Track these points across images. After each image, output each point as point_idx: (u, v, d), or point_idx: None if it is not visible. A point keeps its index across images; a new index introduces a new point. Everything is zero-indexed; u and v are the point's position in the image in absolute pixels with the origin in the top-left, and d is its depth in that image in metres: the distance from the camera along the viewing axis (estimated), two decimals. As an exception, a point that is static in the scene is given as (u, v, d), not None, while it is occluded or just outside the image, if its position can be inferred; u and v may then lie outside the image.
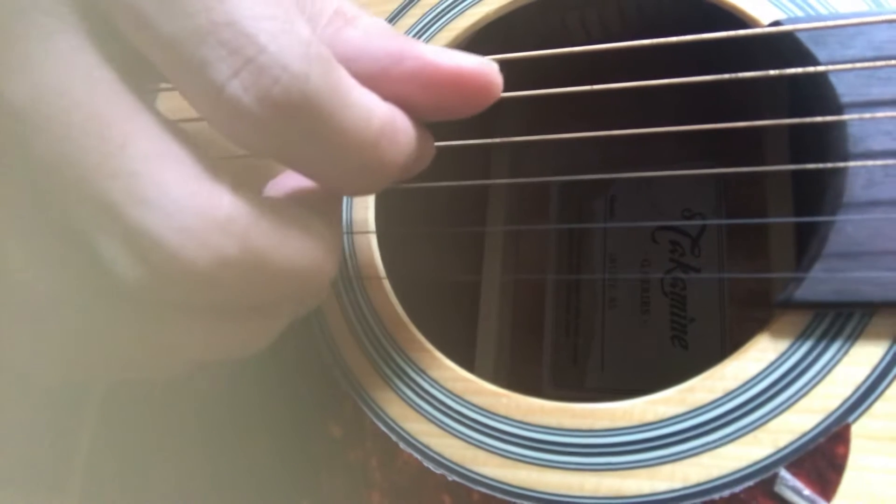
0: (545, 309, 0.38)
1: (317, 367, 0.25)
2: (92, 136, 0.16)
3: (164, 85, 0.19)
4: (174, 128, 0.17)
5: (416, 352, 0.24)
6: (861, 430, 0.20)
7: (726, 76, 0.22)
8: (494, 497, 0.22)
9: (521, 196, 0.40)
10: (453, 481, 0.22)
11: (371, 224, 0.27)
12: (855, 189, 0.21)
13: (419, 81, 0.19)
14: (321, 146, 0.18)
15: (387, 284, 0.26)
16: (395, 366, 0.24)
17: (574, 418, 0.22)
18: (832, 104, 0.22)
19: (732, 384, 0.21)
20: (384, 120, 0.18)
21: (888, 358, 0.20)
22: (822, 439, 0.20)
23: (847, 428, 0.20)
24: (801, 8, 0.23)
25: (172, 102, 0.20)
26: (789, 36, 0.23)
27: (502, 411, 0.23)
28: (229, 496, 0.25)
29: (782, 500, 0.20)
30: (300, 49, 0.16)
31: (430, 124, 0.21)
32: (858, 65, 0.21)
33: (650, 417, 0.21)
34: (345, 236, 0.27)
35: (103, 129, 0.16)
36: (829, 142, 0.22)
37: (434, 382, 0.24)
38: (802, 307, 0.21)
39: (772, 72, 0.21)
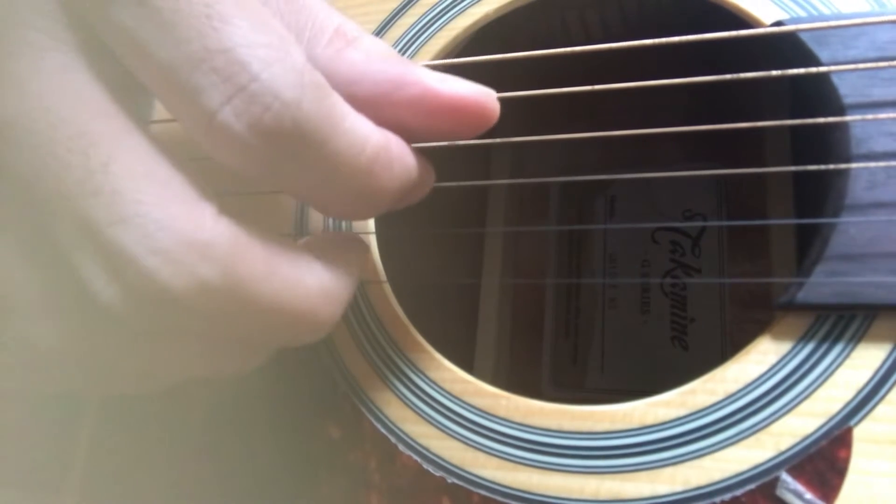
0: (545, 310, 0.38)
1: (316, 368, 0.25)
2: (76, 154, 0.16)
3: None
4: (163, 150, 0.17)
5: (415, 353, 0.24)
6: (863, 434, 0.19)
7: (728, 76, 0.22)
8: (494, 499, 0.22)
9: (521, 197, 0.40)
10: (453, 483, 0.22)
11: (371, 226, 0.27)
12: (857, 191, 0.21)
13: (419, 108, 0.19)
14: (313, 172, 0.18)
15: (386, 286, 0.26)
16: (394, 367, 0.24)
17: (574, 420, 0.22)
18: (834, 105, 0.22)
19: (734, 387, 0.21)
20: (378, 147, 0.18)
21: (890, 361, 0.20)
22: (823, 442, 0.20)
23: (849, 431, 0.20)
24: (803, 8, 0.23)
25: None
26: (791, 36, 0.22)
27: (502, 413, 0.23)
28: (229, 497, 0.25)
29: (784, 503, 0.19)
30: (293, 77, 0.16)
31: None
32: (861, 65, 0.21)
33: (651, 420, 0.21)
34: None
35: (88, 147, 0.16)
36: (831, 143, 0.22)
37: (433, 384, 0.24)
38: (804, 310, 0.21)
39: (774, 72, 0.21)
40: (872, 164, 0.21)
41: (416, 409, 0.24)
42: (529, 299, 0.38)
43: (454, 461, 0.23)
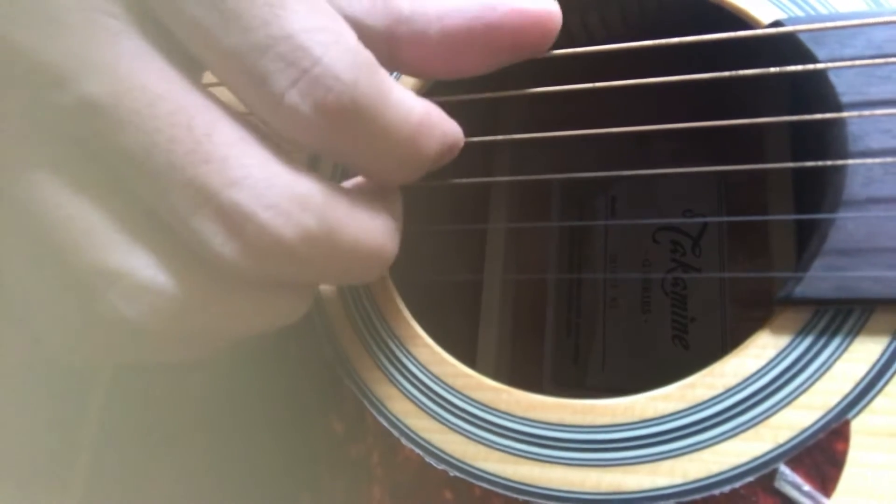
0: (546, 308, 0.38)
1: (319, 362, 0.25)
2: (180, 128, 0.17)
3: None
4: (242, 115, 0.19)
5: (417, 348, 0.25)
6: (861, 426, 0.20)
7: (726, 74, 0.22)
8: (496, 493, 0.22)
9: (523, 196, 0.40)
10: (455, 477, 0.23)
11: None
12: (854, 187, 0.21)
13: (512, 24, 0.21)
14: (366, 143, 0.19)
15: (389, 282, 0.26)
16: (396, 362, 0.25)
17: (575, 414, 0.22)
18: (832, 103, 0.22)
19: (732, 380, 0.21)
20: (422, 116, 0.20)
21: (888, 354, 0.20)
22: (821, 435, 0.20)
23: (847, 424, 0.20)
24: (801, 8, 0.24)
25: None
26: (790, 36, 0.23)
27: (503, 407, 0.23)
28: (231, 491, 0.25)
29: (782, 495, 0.20)
30: (349, 57, 0.18)
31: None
32: (858, 63, 0.21)
33: (651, 413, 0.22)
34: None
35: (189, 120, 0.17)
36: (828, 141, 0.22)
37: (435, 378, 0.24)
38: (802, 304, 0.21)
39: (771, 69, 0.21)
40: (869, 161, 0.21)
41: (419, 403, 0.24)
42: (531, 298, 0.39)
43: (456, 455, 0.23)
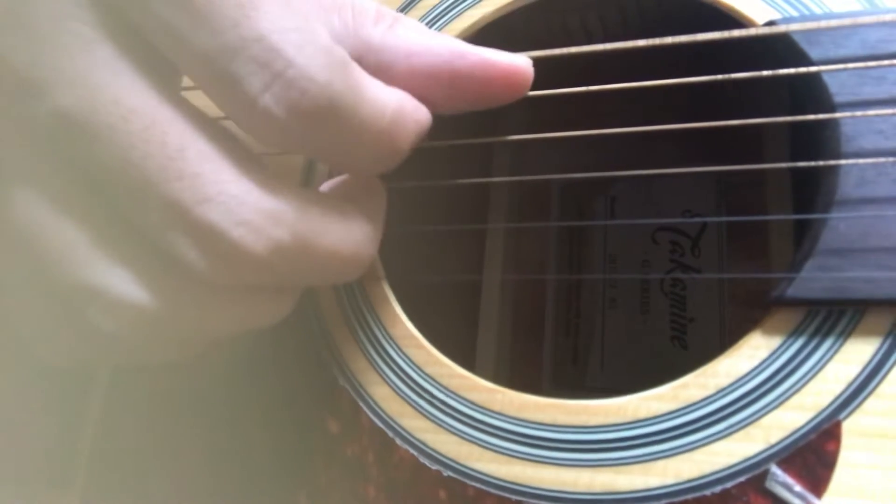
0: (545, 309, 0.38)
1: (314, 363, 0.26)
2: (153, 143, 0.17)
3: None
4: (218, 127, 0.18)
5: (412, 348, 0.25)
6: (852, 427, 0.20)
7: (720, 77, 0.22)
8: (489, 492, 0.22)
9: (522, 196, 0.40)
10: (449, 477, 0.23)
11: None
12: (847, 187, 0.21)
13: (477, 75, 0.21)
14: (342, 141, 0.19)
15: (385, 283, 0.26)
16: (391, 362, 0.25)
17: (568, 415, 0.22)
18: (826, 103, 0.22)
19: (725, 381, 0.21)
20: (396, 109, 0.20)
21: (879, 355, 0.20)
22: (813, 436, 0.20)
23: (838, 425, 0.20)
24: (795, 8, 0.24)
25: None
26: (783, 36, 0.23)
27: (497, 408, 0.23)
28: (229, 490, 0.25)
29: (773, 496, 0.20)
30: (323, 58, 0.18)
31: (436, 122, 0.22)
32: (850, 65, 0.21)
33: (643, 414, 0.22)
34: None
35: (163, 136, 0.17)
36: (822, 141, 0.22)
37: (430, 379, 0.24)
38: (795, 304, 0.21)
39: (764, 72, 0.21)
40: (862, 161, 0.21)
41: (413, 404, 0.24)
42: (530, 298, 0.39)
43: (450, 455, 0.23)
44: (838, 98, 0.22)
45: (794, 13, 0.23)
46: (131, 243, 0.18)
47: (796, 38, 0.22)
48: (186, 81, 0.20)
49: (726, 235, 0.36)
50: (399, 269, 0.28)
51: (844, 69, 0.22)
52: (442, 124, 0.23)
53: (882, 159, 0.21)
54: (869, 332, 0.20)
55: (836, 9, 0.23)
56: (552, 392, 0.37)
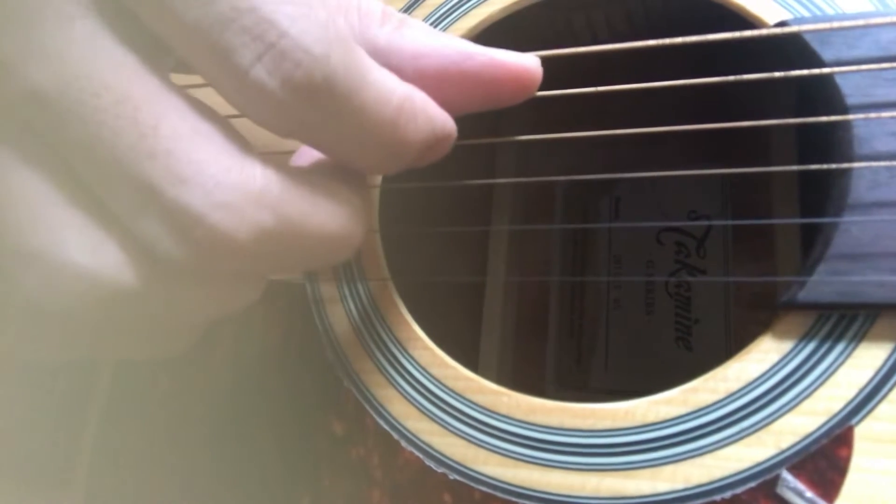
0: (549, 310, 0.38)
1: (320, 364, 0.25)
2: (124, 119, 0.16)
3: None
4: (200, 105, 0.18)
5: (418, 350, 0.24)
6: (864, 433, 0.19)
7: (731, 78, 0.22)
8: (496, 496, 0.22)
9: (526, 197, 0.40)
10: (454, 480, 0.22)
11: (375, 223, 0.27)
12: (860, 190, 0.21)
13: (486, 76, 0.21)
14: (342, 125, 0.18)
15: (390, 284, 0.26)
16: (397, 364, 0.24)
17: (576, 418, 0.22)
18: (838, 105, 0.22)
19: (735, 385, 0.21)
20: (403, 99, 0.19)
21: (892, 360, 0.20)
22: (824, 441, 0.20)
23: (850, 430, 0.20)
24: (807, 8, 0.23)
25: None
26: (795, 36, 0.22)
27: (504, 410, 0.23)
28: (232, 491, 0.25)
29: (784, 501, 0.19)
30: (320, 32, 0.17)
31: None
32: (864, 66, 0.21)
33: (652, 418, 0.21)
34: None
35: (135, 112, 0.16)
36: (834, 143, 0.22)
37: (436, 381, 0.24)
38: (806, 308, 0.21)
39: (776, 73, 0.21)
40: (875, 164, 0.21)
41: (419, 406, 0.24)
42: (534, 299, 0.38)
43: (456, 458, 0.23)
44: (851, 100, 0.21)
45: (806, 13, 0.23)
46: (99, 221, 0.17)
47: (808, 38, 0.22)
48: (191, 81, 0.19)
49: (732, 237, 0.35)
50: (402, 270, 0.28)
51: (857, 70, 0.21)
52: None
53: (895, 162, 0.21)
54: (881, 337, 0.20)
55: (849, 9, 0.23)
56: (555, 393, 0.37)
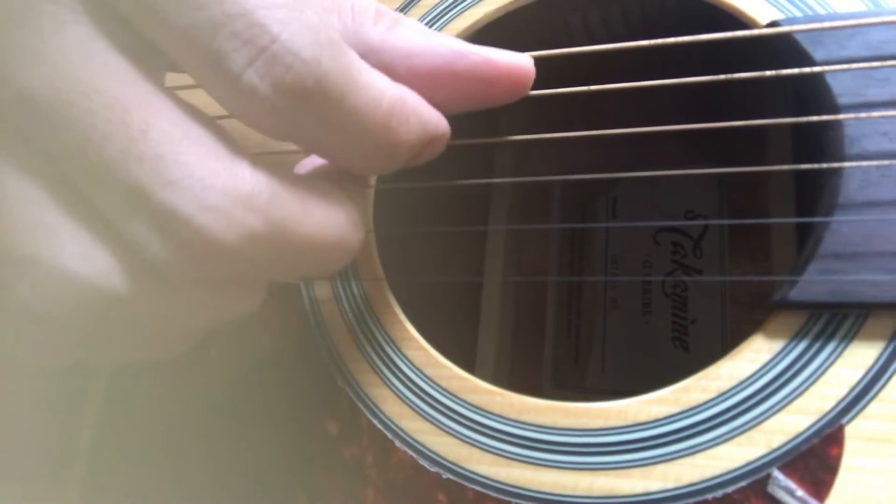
0: (546, 309, 0.38)
1: (314, 364, 0.25)
2: (114, 123, 0.16)
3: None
4: (190, 108, 0.18)
5: (412, 350, 0.25)
6: (855, 432, 0.19)
7: (721, 77, 0.22)
8: (489, 495, 0.22)
9: (524, 197, 0.40)
10: (448, 479, 0.22)
11: (370, 223, 0.27)
12: (850, 190, 0.21)
13: (479, 75, 0.21)
14: (334, 128, 0.18)
15: (385, 284, 0.26)
16: (391, 364, 0.25)
17: (568, 417, 0.22)
18: (829, 105, 0.22)
19: (727, 384, 0.21)
20: (394, 100, 0.19)
21: (883, 359, 0.20)
22: (815, 440, 0.20)
23: (841, 429, 0.20)
24: (799, 8, 0.23)
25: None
26: (787, 36, 0.23)
27: (497, 410, 0.23)
28: (227, 491, 0.25)
29: (775, 500, 0.20)
30: (310, 36, 0.17)
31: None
32: (854, 66, 0.21)
33: (644, 417, 0.21)
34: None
35: (125, 115, 0.16)
36: (826, 143, 0.22)
37: (430, 381, 0.24)
38: (797, 307, 0.21)
39: (767, 73, 0.21)
40: (866, 164, 0.21)
41: (413, 406, 0.24)
42: (531, 299, 0.38)
43: (449, 457, 0.23)
44: (842, 99, 0.21)
45: (798, 13, 0.23)
46: (90, 225, 0.17)
47: (799, 38, 0.22)
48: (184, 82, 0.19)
49: (728, 236, 0.35)
50: (400, 270, 0.28)
51: (848, 70, 0.21)
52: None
53: (886, 161, 0.21)
54: (872, 336, 0.20)
55: (840, 9, 0.23)
56: (552, 393, 0.37)
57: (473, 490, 0.22)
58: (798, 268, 0.21)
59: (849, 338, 0.20)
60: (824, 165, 0.21)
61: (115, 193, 0.17)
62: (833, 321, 0.21)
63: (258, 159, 0.18)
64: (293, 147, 0.20)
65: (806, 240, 0.22)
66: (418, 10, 0.29)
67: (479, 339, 0.36)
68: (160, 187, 0.16)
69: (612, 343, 0.36)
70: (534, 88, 0.23)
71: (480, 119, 0.25)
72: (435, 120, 0.21)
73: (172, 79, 0.19)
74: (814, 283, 0.20)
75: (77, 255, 0.17)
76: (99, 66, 0.17)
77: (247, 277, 0.19)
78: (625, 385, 0.36)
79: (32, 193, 0.17)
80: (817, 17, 0.23)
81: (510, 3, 0.28)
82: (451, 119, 0.23)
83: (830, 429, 0.20)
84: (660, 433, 0.21)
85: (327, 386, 0.25)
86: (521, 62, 0.22)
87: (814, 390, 0.20)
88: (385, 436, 0.24)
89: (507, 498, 0.22)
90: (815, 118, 0.21)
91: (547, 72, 0.24)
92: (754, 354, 0.21)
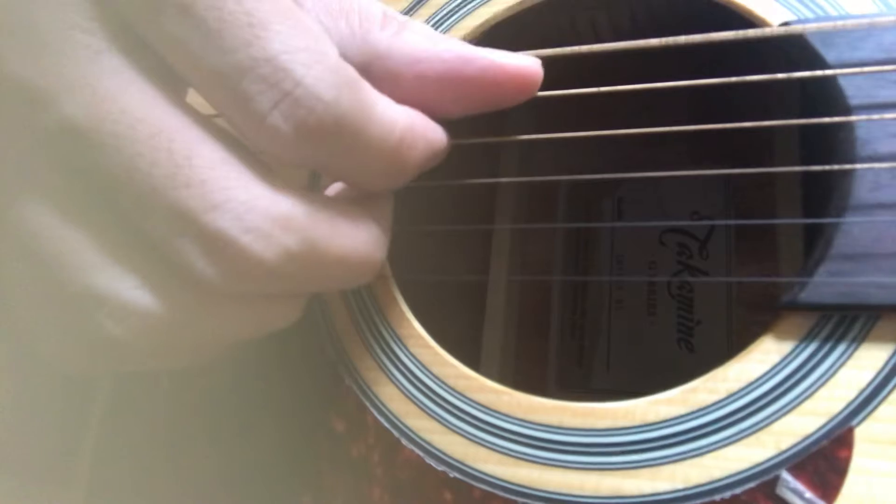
0: (551, 309, 0.38)
1: (321, 362, 0.25)
2: (160, 151, 0.17)
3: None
4: (227, 135, 0.18)
5: (419, 348, 0.24)
6: (864, 434, 0.19)
7: (733, 79, 0.22)
8: (495, 494, 0.22)
9: (529, 197, 0.40)
10: (454, 478, 0.22)
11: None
12: (861, 192, 0.21)
13: (486, 79, 0.21)
14: (350, 158, 0.19)
15: (392, 282, 0.26)
16: (398, 362, 0.25)
17: (575, 417, 0.22)
18: (840, 106, 0.22)
19: (735, 385, 0.21)
20: (405, 128, 0.20)
21: (893, 362, 0.20)
22: (825, 442, 0.20)
23: (850, 431, 0.20)
24: (810, 9, 0.23)
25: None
26: (798, 37, 0.22)
27: (504, 409, 0.23)
28: (233, 489, 0.25)
29: (783, 502, 0.19)
30: (331, 78, 0.18)
31: (444, 121, 0.22)
32: (867, 69, 0.21)
33: (652, 418, 0.21)
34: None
35: (169, 143, 0.17)
36: (836, 144, 0.22)
37: (437, 379, 0.24)
38: (807, 309, 0.21)
39: (779, 75, 0.21)
40: (877, 165, 0.21)
41: (419, 404, 0.24)
42: (536, 299, 0.38)
43: (456, 456, 0.23)
44: (854, 101, 0.21)
45: (810, 14, 0.23)
46: (140, 251, 0.18)
47: (811, 39, 0.22)
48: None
49: (735, 237, 0.35)
50: (406, 269, 0.28)
51: (860, 72, 0.21)
52: (449, 124, 0.23)
53: (897, 163, 0.21)
54: (882, 338, 0.20)
55: (852, 10, 0.23)
56: (556, 392, 0.37)
57: (480, 489, 0.22)
58: (808, 269, 0.21)
59: (859, 340, 0.20)
60: (835, 167, 0.21)
61: (162, 218, 0.17)
62: (843, 323, 0.20)
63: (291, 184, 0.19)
64: None
65: (814, 242, 0.22)
66: (427, 10, 0.28)
67: (483, 339, 0.36)
68: (205, 211, 0.17)
69: (616, 343, 0.36)
70: (541, 89, 0.23)
71: (486, 119, 0.25)
72: (440, 138, 0.22)
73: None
74: (824, 284, 0.20)
75: (134, 284, 0.18)
76: (139, 95, 0.17)
77: (284, 292, 0.20)
78: (629, 385, 0.36)
79: (75, 234, 0.18)
80: (829, 18, 0.23)
81: (518, 2, 0.28)
82: (458, 119, 0.23)
83: (840, 431, 0.20)
84: (668, 434, 0.21)
85: (334, 384, 0.25)
86: (529, 65, 0.22)
87: (823, 392, 0.20)
88: (391, 434, 0.24)
89: (513, 497, 0.22)
90: (826, 120, 0.21)
91: (554, 72, 0.24)
92: (763, 356, 0.21)
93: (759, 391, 0.21)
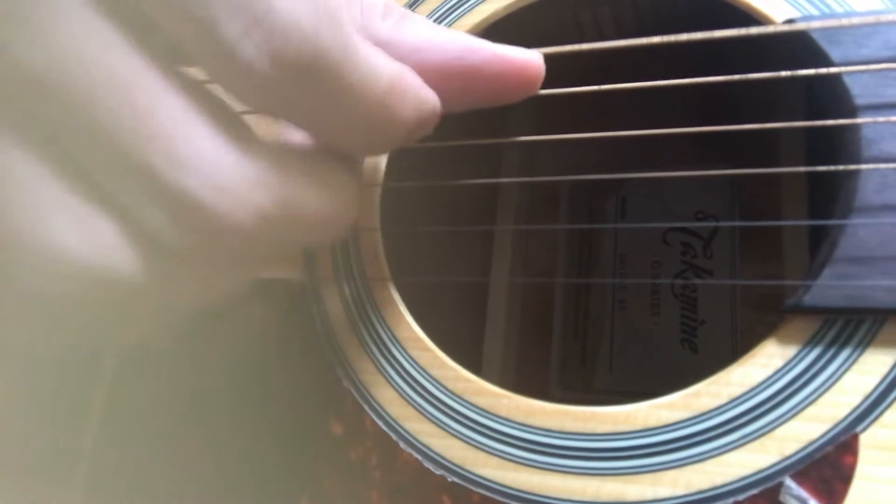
0: (554, 310, 0.38)
1: (319, 364, 0.25)
2: (122, 103, 0.16)
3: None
4: (197, 87, 0.17)
5: (417, 351, 0.24)
6: (870, 440, 0.19)
7: (737, 77, 0.21)
8: (494, 499, 0.22)
9: (531, 197, 0.39)
10: (453, 482, 0.22)
11: (376, 222, 0.27)
12: (867, 193, 0.20)
13: (489, 71, 0.21)
14: (330, 104, 0.18)
15: (390, 284, 0.26)
16: (396, 364, 0.24)
17: (576, 421, 0.22)
18: (846, 106, 0.21)
19: (738, 390, 0.21)
20: (393, 77, 0.19)
21: (899, 366, 0.19)
22: (829, 448, 0.19)
23: (855, 437, 0.19)
24: (815, 6, 0.23)
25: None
26: (803, 35, 0.22)
27: (503, 413, 0.23)
28: (231, 491, 0.25)
29: (787, 509, 0.19)
30: (309, 5, 0.16)
31: (445, 121, 0.22)
32: (873, 67, 0.21)
33: (653, 422, 0.21)
34: (350, 234, 0.27)
35: (131, 95, 0.16)
36: (842, 144, 0.22)
37: (435, 382, 0.24)
38: (812, 313, 0.20)
39: (783, 73, 0.21)
40: (883, 166, 0.20)
41: (418, 407, 0.23)
42: (538, 299, 0.38)
43: (455, 460, 0.22)
44: (860, 100, 0.21)
45: (815, 12, 0.23)
46: (95, 203, 0.17)
47: (816, 37, 0.22)
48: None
49: (739, 237, 0.35)
50: (406, 270, 0.28)
51: (866, 70, 0.21)
52: (450, 124, 0.22)
53: (905, 164, 0.20)
54: (888, 343, 0.20)
55: (858, 8, 0.22)
56: (559, 394, 0.37)
57: (479, 493, 0.22)
58: (812, 272, 0.21)
59: (864, 344, 0.20)
60: (841, 168, 0.21)
61: (126, 173, 0.16)
62: (848, 327, 0.20)
63: (264, 138, 0.18)
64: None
65: (819, 243, 0.22)
66: (427, 7, 0.28)
67: (485, 340, 0.36)
68: (170, 168, 0.16)
69: (619, 344, 0.36)
70: (543, 87, 0.23)
71: (488, 119, 0.24)
72: (432, 98, 0.21)
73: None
74: (829, 287, 0.20)
75: (84, 235, 0.17)
76: (106, 46, 0.16)
77: (252, 252, 0.19)
78: (632, 386, 0.35)
79: (36, 173, 0.17)
80: (835, 15, 0.22)
81: (519, -1, 0.27)
82: (459, 119, 0.23)
83: (844, 437, 0.19)
84: (669, 438, 0.21)
85: (332, 386, 0.25)
86: (532, 58, 0.22)
87: (827, 397, 0.20)
88: (390, 437, 0.23)
89: (512, 502, 0.21)
90: (831, 122, 0.21)
91: (556, 70, 0.23)
92: (767, 360, 0.21)
93: (763, 396, 0.20)
